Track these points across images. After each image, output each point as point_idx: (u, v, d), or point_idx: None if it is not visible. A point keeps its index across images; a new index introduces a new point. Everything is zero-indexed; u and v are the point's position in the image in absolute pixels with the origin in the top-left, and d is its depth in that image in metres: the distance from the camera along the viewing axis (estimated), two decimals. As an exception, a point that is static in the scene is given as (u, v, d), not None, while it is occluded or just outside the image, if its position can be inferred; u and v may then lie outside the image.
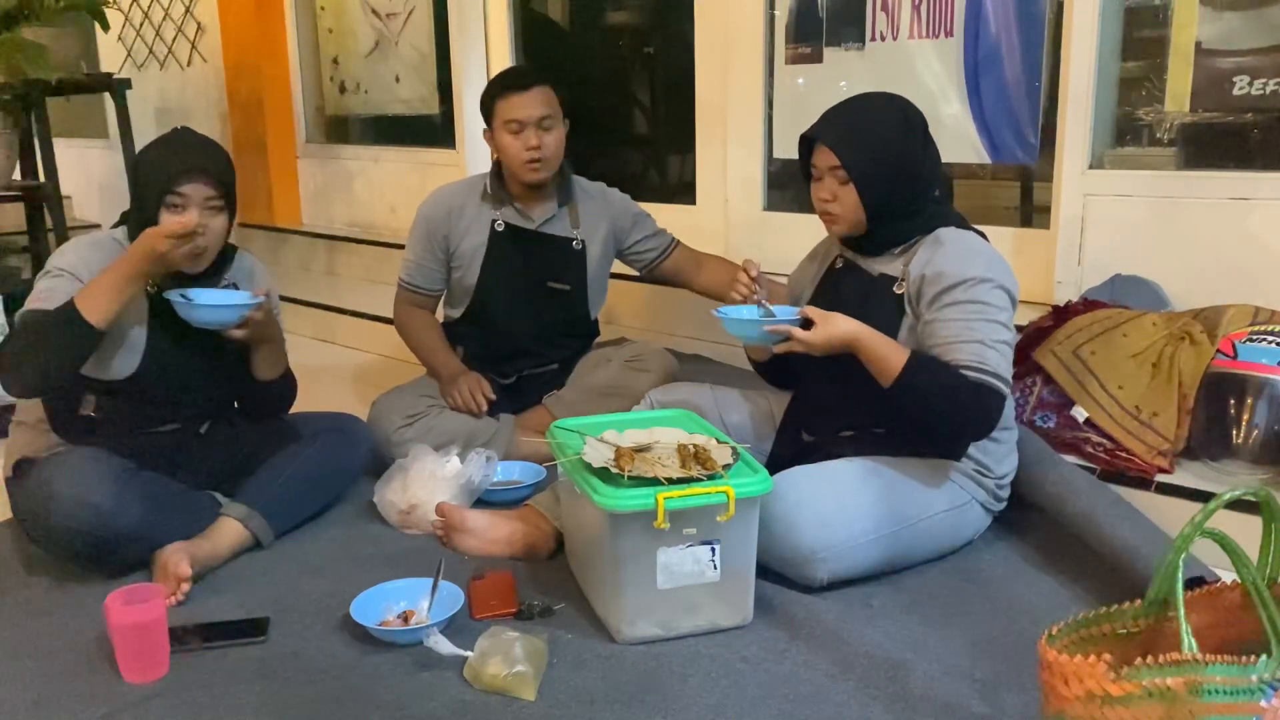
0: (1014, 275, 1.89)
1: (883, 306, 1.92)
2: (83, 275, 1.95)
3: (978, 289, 1.82)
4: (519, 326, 2.60)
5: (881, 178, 1.88)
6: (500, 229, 2.55)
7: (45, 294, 1.93)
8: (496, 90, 2.51)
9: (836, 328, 1.82)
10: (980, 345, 1.79)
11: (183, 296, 2.00)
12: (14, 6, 3.51)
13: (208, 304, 2.00)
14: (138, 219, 2.00)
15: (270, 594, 1.90)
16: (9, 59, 3.46)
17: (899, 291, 1.91)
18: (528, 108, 2.45)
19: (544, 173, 2.49)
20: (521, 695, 1.55)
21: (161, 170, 1.97)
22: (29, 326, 1.89)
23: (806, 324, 1.84)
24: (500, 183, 2.56)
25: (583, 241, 2.59)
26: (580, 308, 2.64)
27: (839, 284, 2.04)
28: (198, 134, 2.08)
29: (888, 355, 1.81)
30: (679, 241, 2.73)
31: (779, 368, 2.14)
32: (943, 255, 1.87)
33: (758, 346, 2.07)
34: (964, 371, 1.78)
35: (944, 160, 2.03)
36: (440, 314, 2.72)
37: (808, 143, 1.96)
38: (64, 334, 1.86)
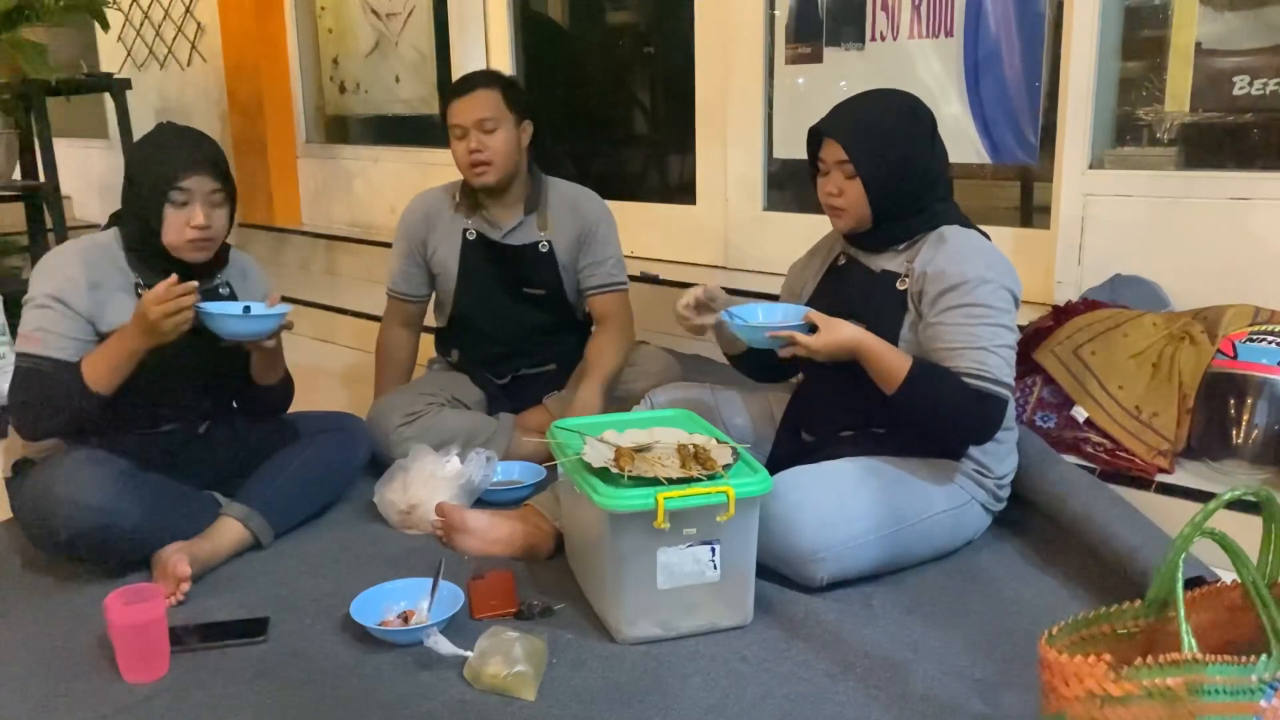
0: (1017, 275, 1.89)
1: (885, 303, 1.92)
2: (73, 301, 1.93)
3: (980, 290, 1.82)
4: (504, 332, 2.60)
5: (888, 173, 1.88)
6: (471, 238, 2.54)
7: (39, 333, 1.92)
8: (444, 97, 2.50)
9: (840, 334, 1.82)
10: (982, 351, 1.79)
11: (246, 309, 1.96)
12: (14, 6, 3.52)
13: (261, 314, 1.95)
14: (136, 219, 1.99)
15: (270, 594, 1.90)
16: (9, 59, 3.46)
17: (901, 288, 1.91)
18: (466, 111, 2.42)
19: (489, 176, 2.44)
20: (521, 695, 1.55)
21: (162, 167, 1.96)
22: (36, 387, 1.90)
23: (812, 329, 1.84)
24: (470, 191, 2.55)
25: (549, 243, 2.54)
26: (561, 308, 2.62)
27: (841, 280, 2.04)
28: (185, 127, 2.07)
29: (891, 362, 1.81)
30: (621, 294, 2.60)
31: (755, 361, 2.13)
32: (945, 254, 1.87)
33: (730, 340, 2.07)
34: (966, 379, 1.78)
35: (944, 160, 2.04)
36: (430, 320, 2.72)
37: (816, 136, 1.96)
38: (71, 400, 1.89)
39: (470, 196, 2.55)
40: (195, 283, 1.90)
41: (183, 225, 1.96)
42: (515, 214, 2.55)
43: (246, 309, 1.98)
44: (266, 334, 1.98)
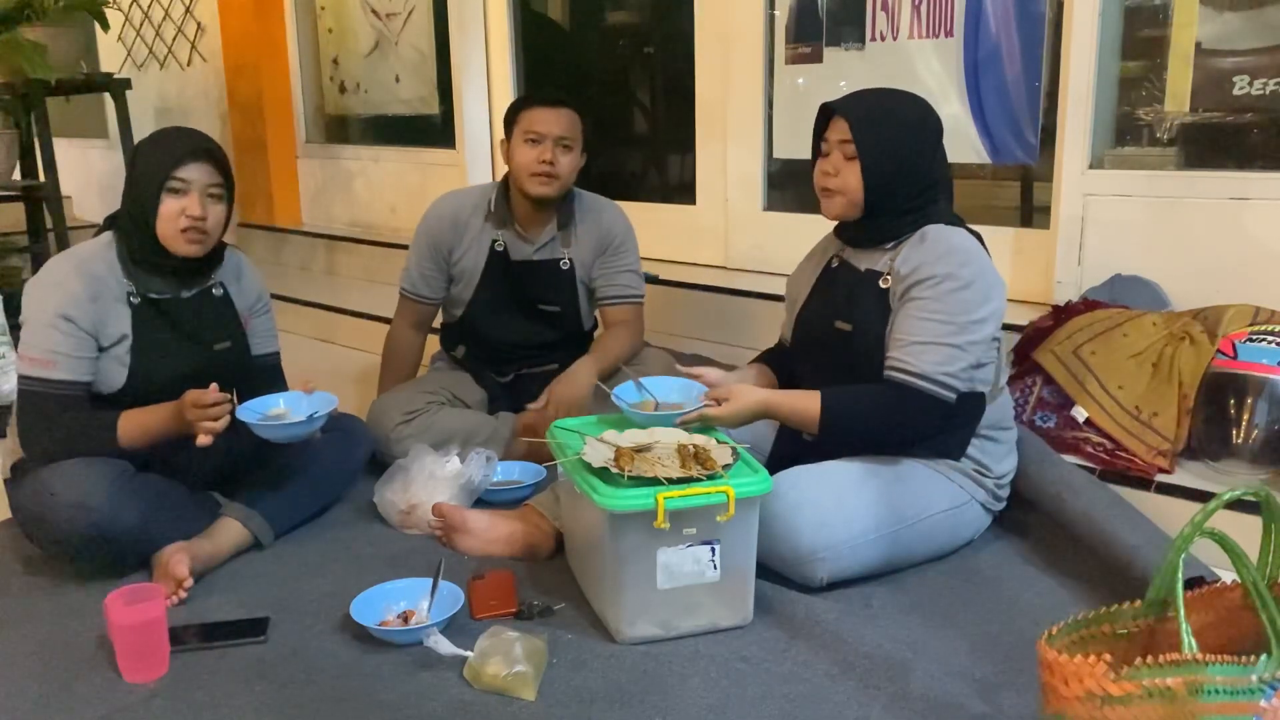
0: (996, 274, 1.89)
1: (869, 302, 1.93)
2: (79, 318, 1.93)
3: (940, 287, 1.83)
4: (511, 342, 2.61)
5: (887, 165, 1.89)
6: (499, 250, 2.54)
7: (52, 355, 1.91)
8: (524, 102, 2.51)
9: (744, 401, 1.86)
10: (917, 345, 1.81)
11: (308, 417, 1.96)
12: (14, 6, 3.52)
13: (301, 420, 1.96)
14: (134, 216, 1.98)
15: (270, 594, 1.90)
16: (9, 59, 3.46)
17: (884, 286, 1.92)
18: (551, 124, 2.44)
19: (549, 189, 2.46)
20: (521, 695, 1.55)
21: (163, 156, 1.95)
22: (56, 420, 1.91)
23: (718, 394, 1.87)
24: (505, 202, 2.55)
25: (570, 260, 2.57)
26: (571, 324, 2.64)
27: (832, 282, 2.04)
28: (188, 127, 2.08)
29: (802, 407, 1.86)
30: (635, 306, 2.62)
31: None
32: (920, 252, 1.88)
33: None
34: (887, 374, 1.82)
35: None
36: (439, 316, 2.73)
37: (825, 115, 1.97)
38: (96, 446, 1.91)
39: (504, 208, 2.54)
40: (230, 398, 1.92)
41: (178, 214, 1.95)
42: (547, 231, 2.55)
43: (314, 416, 1.96)
44: (308, 435, 1.99)
